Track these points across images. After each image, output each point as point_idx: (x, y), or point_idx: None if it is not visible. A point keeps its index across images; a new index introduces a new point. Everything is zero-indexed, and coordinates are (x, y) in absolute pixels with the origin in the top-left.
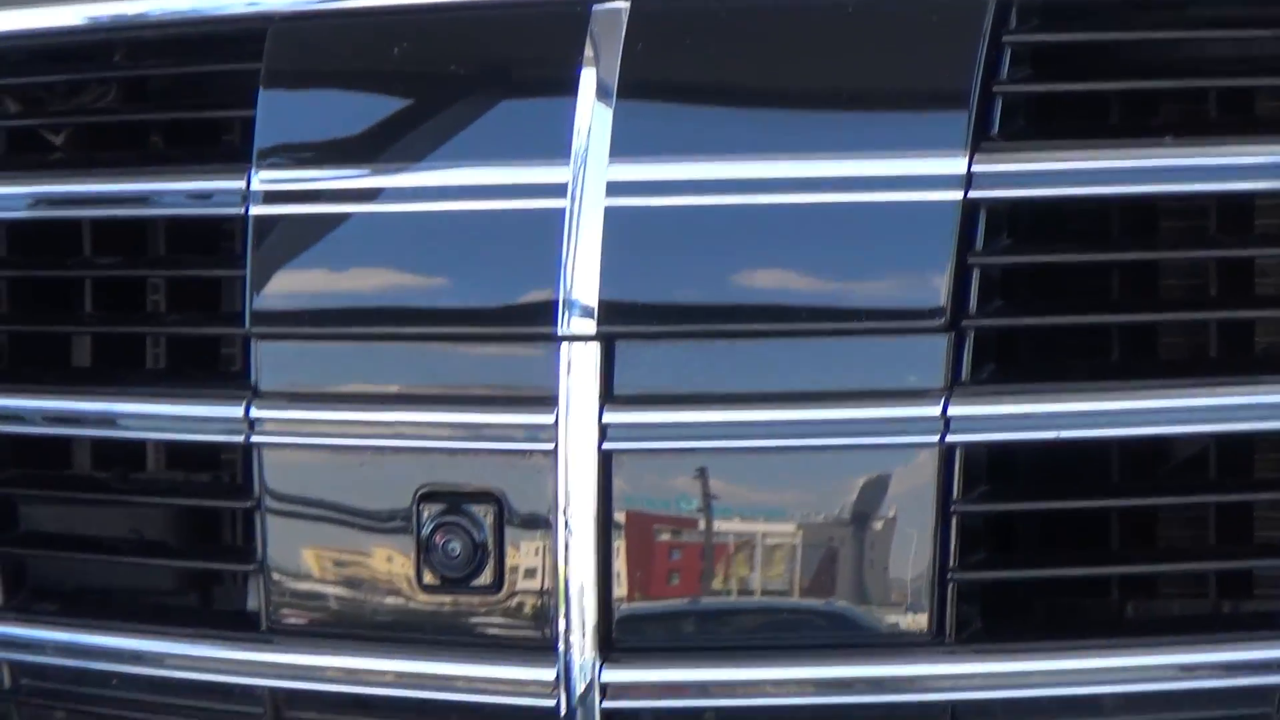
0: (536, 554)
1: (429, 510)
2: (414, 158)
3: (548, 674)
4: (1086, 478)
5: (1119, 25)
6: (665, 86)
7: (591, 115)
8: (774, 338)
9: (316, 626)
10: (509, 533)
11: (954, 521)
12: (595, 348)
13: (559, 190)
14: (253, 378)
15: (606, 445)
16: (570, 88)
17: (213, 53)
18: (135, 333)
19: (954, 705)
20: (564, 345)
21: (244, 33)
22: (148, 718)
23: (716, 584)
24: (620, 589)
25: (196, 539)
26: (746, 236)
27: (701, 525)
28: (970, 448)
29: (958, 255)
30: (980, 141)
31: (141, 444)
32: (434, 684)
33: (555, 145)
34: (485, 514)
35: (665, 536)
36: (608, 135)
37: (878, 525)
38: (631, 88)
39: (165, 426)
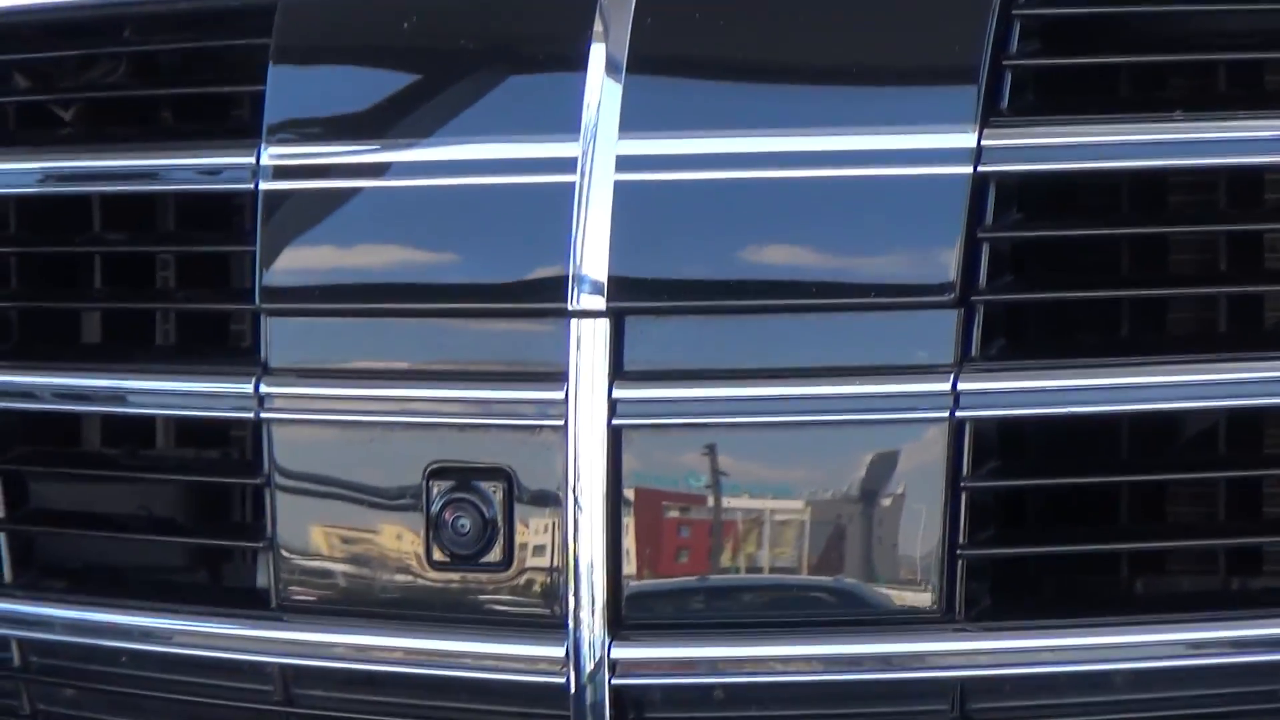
0: (546, 530)
1: (438, 487)
2: (424, 133)
3: (557, 651)
4: (1096, 453)
5: None
6: (675, 61)
7: (601, 90)
8: (784, 313)
9: (326, 603)
10: (518, 509)
11: (963, 497)
12: (605, 323)
13: (569, 165)
14: (262, 354)
15: (616, 421)
16: (580, 62)
17: (222, 28)
18: (145, 309)
19: (962, 682)
20: (574, 321)
21: (253, 7)
22: (157, 695)
23: (726, 560)
24: (630, 566)
25: (206, 516)
26: (756, 211)
27: (711, 501)
28: (980, 423)
29: (967, 230)
30: (990, 116)
31: (151, 421)
32: (443, 661)
33: (565, 120)
34: (495, 490)
35: (675, 513)
36: (617, 110)
37: (887, 501)
38: (641, 62)
39: (175, 403)
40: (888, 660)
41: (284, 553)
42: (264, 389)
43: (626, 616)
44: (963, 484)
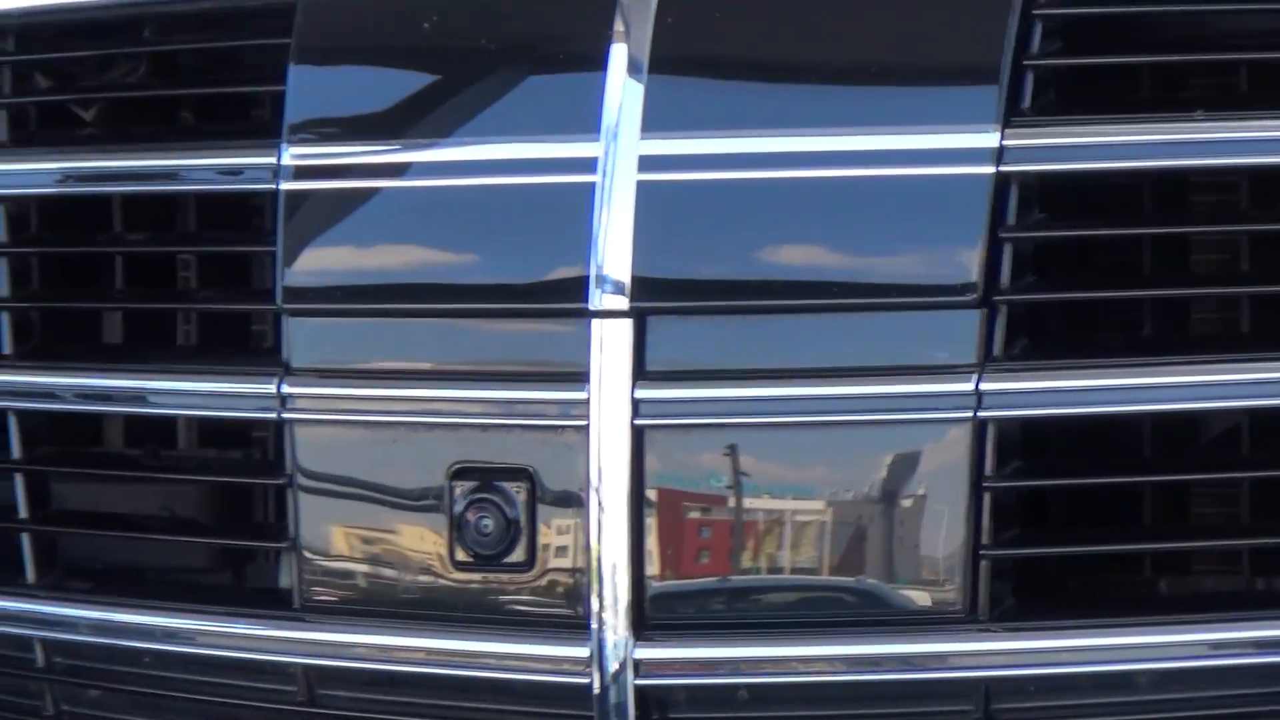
0: (569, 531)
1: (461, 487)
2: (445, 133)
3: (581, 651)
4: (1118, 454)
5: None
6: (696, 61)
7: (623, 90)
8: (806, 313)
9: (349, 604)
10: (541, 510)
11: (986, 498)
12: (627, 324)
13: (590, 165)
14: (284, 354)
15: (638, 421)
16: (601, 62)
17: (242, 27)
18: (166, 309)
19: (987, 682)
20: (596, 321)
21: (273, 7)
22: (181, 696)
23: (749, 561)
24: (652, 566)
25: (228, 517)
26: (779, 211)
27: (733, 502)
28: (1003, 423)
29: (989, 230)
30: (1011, 116)
31: (173, 421)
32: (467, 661)
33: (586, 120)
34: (518, 490)
35: (697, 513)
36: (639, 110)
37: (909, 502)
38: (662, 62)
39: (197, 403)
40: (911, 661)
41: (306, 553)
42: (286, 389)
43: (649, 617)
44: (986, 484)
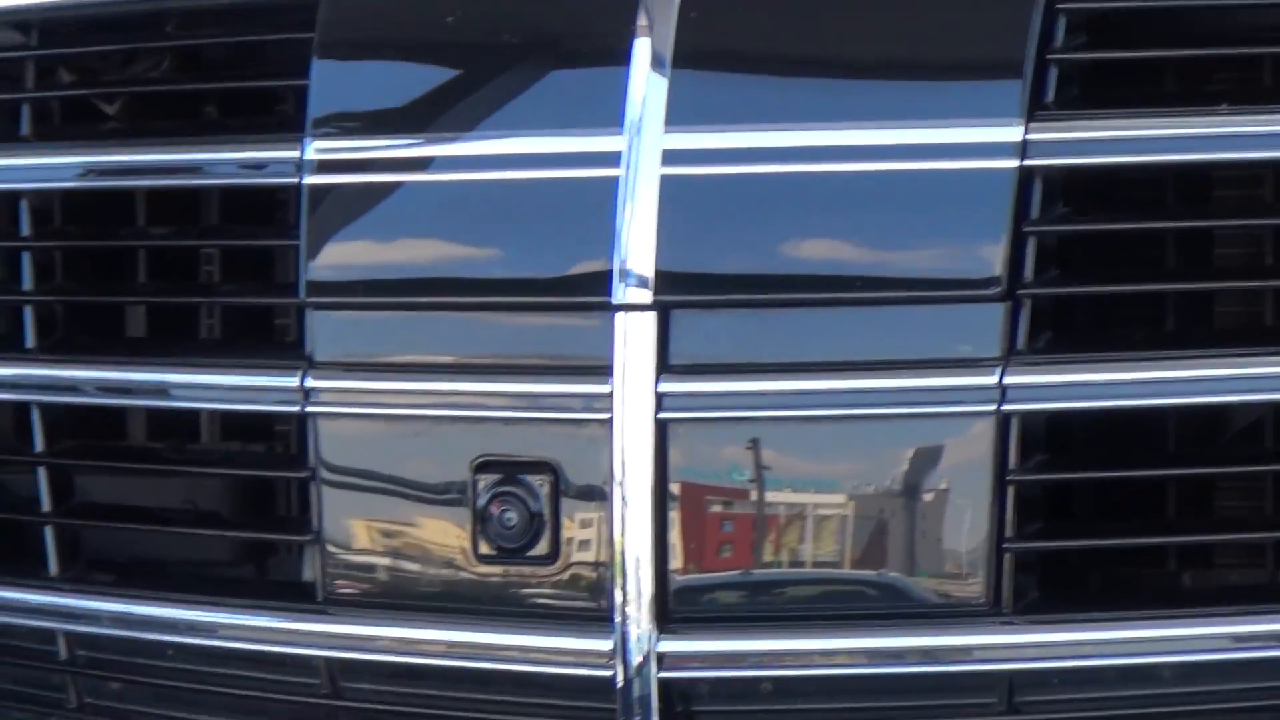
0: (592, 524)
1: (485, 480)
2: (468, 126)
3: (604, 644)
4: (1143, 447)
5: None
6: (719, 55)
7: (646, 83)
8: (830, 307)
9: (372, 597)
10: (565, 503)
11: (1010, 491)
12: (651, 317)
13: (614, 159)
14: (308, 348)
15: (662, 414)
16: (625, 56)
17: (266, 22)
18: (189, 303)
19: (1010, 675)
20: (619, 315)
21: (298, 2)
22: (203, 688)
23: (772, 554)
24: (676, 559)
25: (251, 510)
26: (802, 205)
27: (757, 495)
28: (1027, 417)
29: (1014, 224)
30: (1036, 110)
31: (196, 415)
32: (490, 654)
33: (610, 114)
34: (541, 484)
35: (721, 507)
36: (663, 103)
37: (933, 495)
38: (686, 56)
39: (220, 397)
40: (934, 654)
41: (330, 546)
42: (310, 383)
43: (673, 610)
44: (1009, 478)
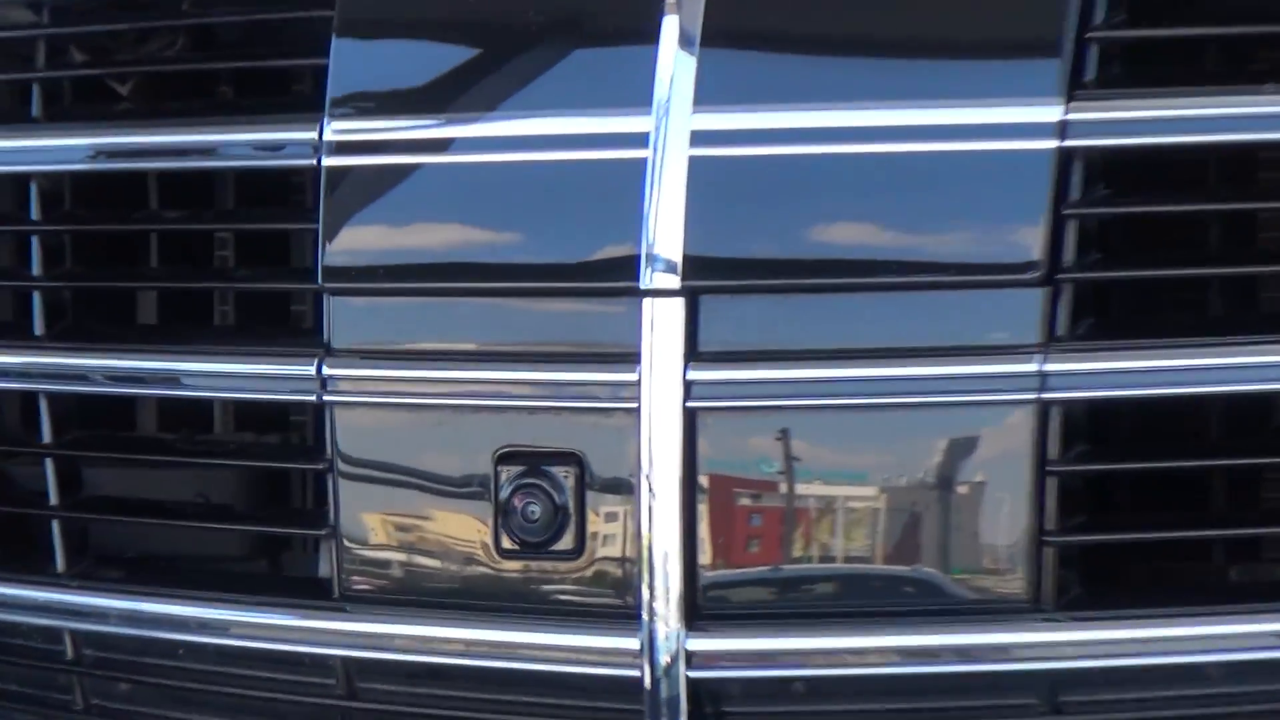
0: (619, 517)
1: (508, 472)
2: (491, 107)
3: (631, 643)
4: (1186, 436)
5: None
6: (750, 33)
7: (674, 62)
8: (864, 292)
9: (390, 594)
10: (590, 495)
11: (1051, 483)
12: (679, 303)
13: (641, 140)
14: (325, 334)
15: (691, 403)
16: (652, 34)
17: (282, 0)
18: (203, 288)
19: (1052, 675)
20: (647, 300)
21: None
22: (215, 689)
23: (804, 549)
24: (705, 554)
25: (265, 503)
26: (835, 187)
27: (788, 487)
28: (1068, 405)
29: (1053, 206)
30: (1075, 89)
31: (208, 405)
32: (512, 653)
33: (637, 93)
34: (566, 476)
35: (751, 499)
36: (691, 83)
37: (970, 487)
38: (715, 34)
39: (234, 385)
40: (972, 653)
41: (347, 541)
42: (327, 371)
43: (702, 607)
44: (1050, 468)
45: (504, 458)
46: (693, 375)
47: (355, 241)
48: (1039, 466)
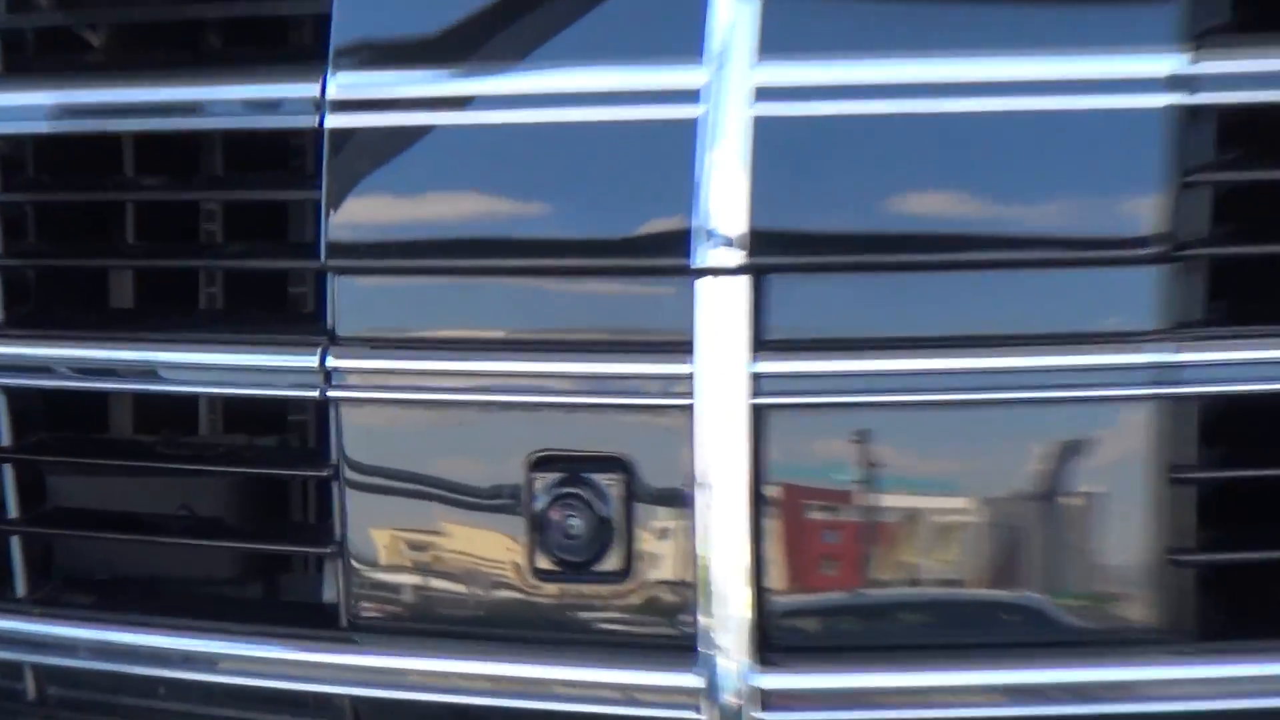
0: (672, 534)
1: (543, 480)
2: (519, 58)
3: (690, 680)
4: None
5: None
6: None
7: (733, 5)
8: (956, 271)
9: (406, 622)
10: (639, 508)
11: (1181, 493)
12: (742, 283)
13: (694, 96)
14: (329, 320)
15: (756, 400)
16: None
17: None
18: (186, 268)
19: (1186, 718)
20: (700, 281)
21: None
22: None
23: (890, 571)
24: (774, 577)
25: (260, 516)
26: (922, 151)
27: (871, 499)
28: (1203, 401)
29: (1177, 172)
30: (1205, 35)
31: (194, 402)
32: (548, 691)
33: (689, 42)
34: (610, 484)
35: (828, 513)
36: (754, 30)
37: (1084, 498)
38: None
39: (223, 379)
40: (1088, 692)
41: (355, 561)
42: (331, 362)
43: (772, 638)
44: (1180, 475)
45: (538, 464)
46: (759, 368)
47: (363, 213)
48: (1167, 473)
